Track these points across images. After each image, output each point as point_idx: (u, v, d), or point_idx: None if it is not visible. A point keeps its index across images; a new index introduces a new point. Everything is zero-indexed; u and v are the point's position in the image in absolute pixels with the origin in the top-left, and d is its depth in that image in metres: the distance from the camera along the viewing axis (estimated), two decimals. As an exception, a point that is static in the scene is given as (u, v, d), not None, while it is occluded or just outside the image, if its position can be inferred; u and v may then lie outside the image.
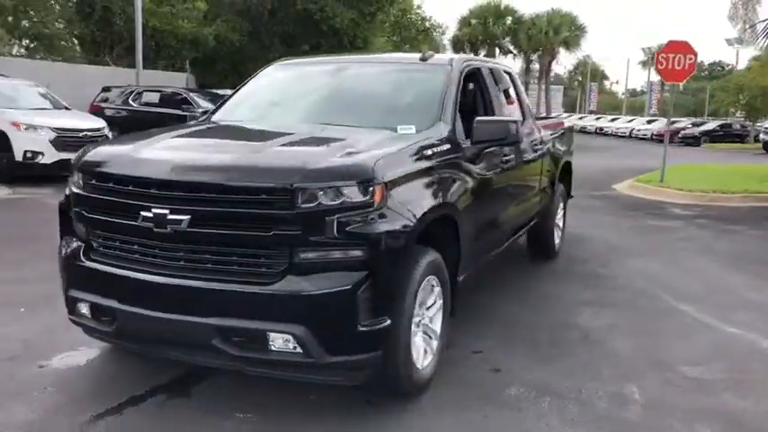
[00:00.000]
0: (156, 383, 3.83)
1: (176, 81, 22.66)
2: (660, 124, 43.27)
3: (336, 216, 3.15)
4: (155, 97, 17.65)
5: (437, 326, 3.98)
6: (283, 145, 3.74)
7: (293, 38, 25.75)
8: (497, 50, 40.88)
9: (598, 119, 56.39)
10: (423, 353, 3.82)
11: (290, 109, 4.81)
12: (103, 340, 3.91)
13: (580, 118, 59.39)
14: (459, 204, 4.04)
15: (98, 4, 21.96)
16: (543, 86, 42.24)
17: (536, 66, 41.80)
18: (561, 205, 7.47)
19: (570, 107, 79.58)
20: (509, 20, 38.97)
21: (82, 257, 3.60)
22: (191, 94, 17.31)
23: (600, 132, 50.54)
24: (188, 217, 3.21)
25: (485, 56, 40.36)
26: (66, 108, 13.45)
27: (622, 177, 15.45)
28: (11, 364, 4.02)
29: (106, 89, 18.39)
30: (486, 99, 5.09)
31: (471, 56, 5.29)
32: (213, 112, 5.04)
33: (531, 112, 6.19)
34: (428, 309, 3.89)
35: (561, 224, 7.58)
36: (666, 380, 4.17)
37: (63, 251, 3.75)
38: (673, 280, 6.66)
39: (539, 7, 63.48)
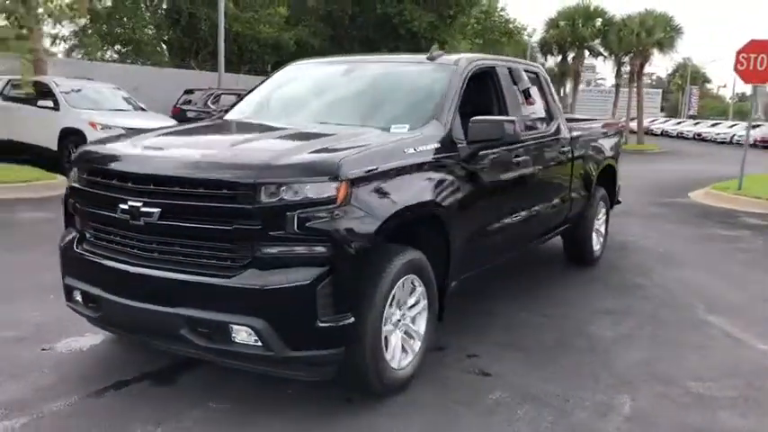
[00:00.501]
0: (147, 370, 3.98)
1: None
2: (765, 130, 40.84)
3: (298, 212, 3.18)
4: (232, 100, 18.27)
5: (420, 326, 3.94)
6: (260, 141, 3.83)
7: (372, 42, 26.03)
8: (586, 53, 39.72)
9: (696, 124, 53.85)
10: (400, 353, 3.80)
11: (295, 107, 4.89)
12: (99, 327, 4.10)
13: (678, 123, 56.95)
14: (446, 204, 3.98)
15: (185, 11, 23.01)
16: (635, 89, 40.68)
17: (628, 68, 40.32)
18: (603, 210, 7.21)
19: (672, 111, 76.33)
20: (599, 21, 37.59)
21: (75, 247, 3.81)
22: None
23: (698, 138, 48.29)
24: (159, 210, 3.33)
25: (573, 58, 39.40)
26: (143, 109, 14.17)
27: (703, 184, 14.67)
28: (17, 346, 4.28)
29: (188, 92, 19.23)
30: (501, 99, 4.99)
31: (484, 55, 5.17)
32: (227, 110, 5.19)
33: (560, 114, 6.02)
34: (410, 309, 3.87)
35: (603, 230, 7.32)
36: (664, 394, 3.96)
37: (62, 241, 3.98)
38: (714, 291, 6.30)
39: (631, 8, 61.17)
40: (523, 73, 5.39)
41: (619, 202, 7.95)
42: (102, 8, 21.72)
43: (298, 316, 3.24)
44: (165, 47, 25.66)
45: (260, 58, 25.18)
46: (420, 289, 3.90)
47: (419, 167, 3.84)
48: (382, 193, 3.50)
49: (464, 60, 4.75)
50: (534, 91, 5.59)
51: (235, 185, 3.21)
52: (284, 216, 3.18)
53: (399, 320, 3.79)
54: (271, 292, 3.19)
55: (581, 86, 47.31)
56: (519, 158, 4.96)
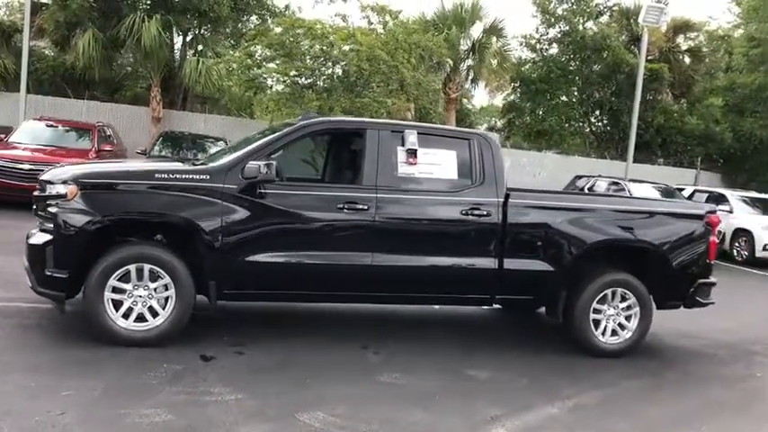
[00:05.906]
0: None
1: (680, 177, 22.48)
2: None
3: (47, 201, 5.27)
4: (603, 186, 18.60)
5: (168, 307, 5.30)
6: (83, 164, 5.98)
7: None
8: None
9: None
10: (134, 317, 5.25)
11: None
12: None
13: None
14: (193, 218, 5.26)
15: (605, 105, 24.20)
16: None
17: None
18: (628, 301, 6.31)
19: None
20: None
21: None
22: (627, 183, 17.67)
23: None
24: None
25: None
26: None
27: None
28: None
29: (578, 177, 20.24)
30: (362, 154, 5.77)
31: (349, 119, 5.87)
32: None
33: (495, 179, 5.94)
34: (158, 291, 5.28)
35: (633, 324, 6.33)
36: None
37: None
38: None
39: None
40: (412, 137, 5.79)
41: (702, 305, 6.61)
42: (532, 113, 25.00)
43: (37, 264, 5.26)
44: (593, 137, 26.75)
45: (685, 149, 24.01)
46: (166, 279, 5.29)
47: (168, 188, 5.28)
48: (111, 199, 5.25)
49: (304, 124, 5.80)
50: (438, 154, 5.92)
51: (41, 183, 5.50)
52: (45, 202, 5.29)
53: (142, 296, 5.27)
54: (29, 246, 5.37)
55: None
56: (352, 204, 5.56)
